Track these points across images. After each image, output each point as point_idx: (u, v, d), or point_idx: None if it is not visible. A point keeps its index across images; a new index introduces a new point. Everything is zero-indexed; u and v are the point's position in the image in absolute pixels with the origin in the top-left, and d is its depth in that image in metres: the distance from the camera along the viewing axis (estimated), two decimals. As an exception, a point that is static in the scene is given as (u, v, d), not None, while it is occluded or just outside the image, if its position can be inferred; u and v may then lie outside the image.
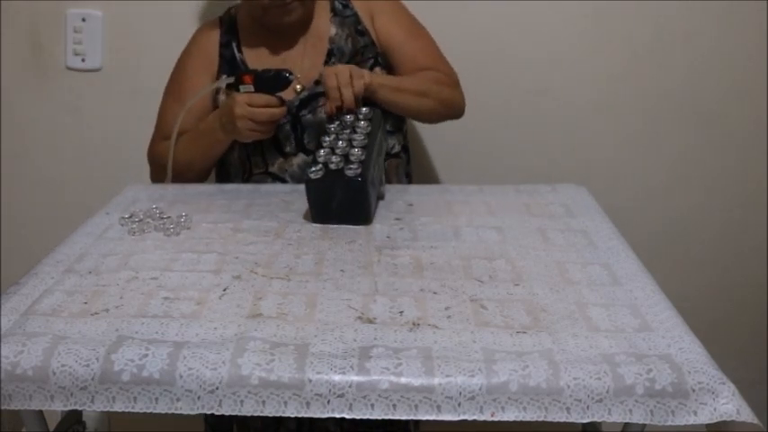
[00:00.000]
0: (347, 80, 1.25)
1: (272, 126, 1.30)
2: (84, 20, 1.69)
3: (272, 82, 1.28)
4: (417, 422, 1.40)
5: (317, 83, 1.37)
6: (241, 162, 1.41)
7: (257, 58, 1.41)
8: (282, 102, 1.29)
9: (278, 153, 1.38)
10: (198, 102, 1.37)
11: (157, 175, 1.44)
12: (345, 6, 1.43)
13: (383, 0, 1.45)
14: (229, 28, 1.44)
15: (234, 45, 1.42)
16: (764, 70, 1.71)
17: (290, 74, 1.28)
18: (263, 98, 1.27)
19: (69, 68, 1.73)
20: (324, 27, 1.41)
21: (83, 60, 1.72)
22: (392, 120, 1.43)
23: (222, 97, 1.40)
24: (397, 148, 1.45)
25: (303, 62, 1.40)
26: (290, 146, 1.38)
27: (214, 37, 1.43)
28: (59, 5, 1.69)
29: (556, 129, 1.76)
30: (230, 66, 1.41)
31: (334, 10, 1.42)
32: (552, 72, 1.72)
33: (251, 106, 1.26)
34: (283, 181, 1.39)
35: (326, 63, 1.39)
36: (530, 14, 1.68)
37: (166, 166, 1.35)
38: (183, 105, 1.36)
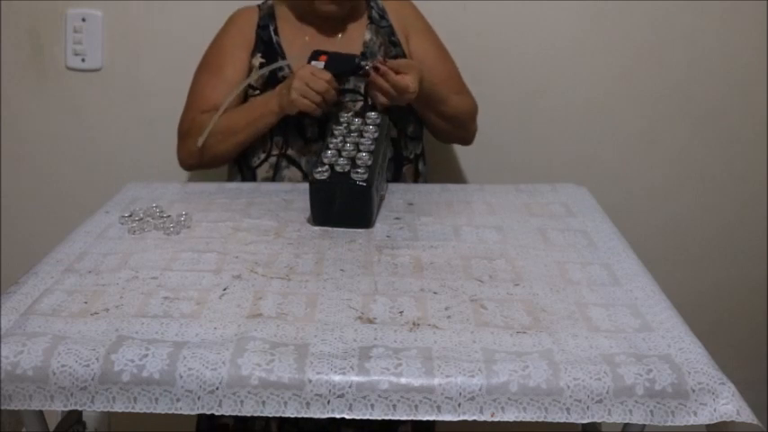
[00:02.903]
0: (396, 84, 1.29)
1: (320, 102, 1.30)
2: (84, 20, 1.69)
3: (342, 60, 1.32)
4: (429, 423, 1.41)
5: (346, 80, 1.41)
6: (262, 141, 1.42)
7: (290, 46, 1.44)
8: (339, 89, 1.32)
9: (299, 137, 1.40)
10: (234, 76, 1.41)
11: (187, 146, 1.43)
12: (382, 17, 1.48)
13: (417, 20, 1.51)
14: (267, 14, 1.47)
15: (271, 29, 1.45)
16: (764, 70, 1.71)
17: (364, 61, 1.31)
18: (325, 73, 1.30)
19: (69, 68, 1.73)
20: (359, 30, 1.45)
21: (83, 60, 1.71)
22: (413, 126, 1.46)
23: (255, 76, 1.41)
24: (413, 155, 1.47)
25: None
26: (313, 132, 1.39)
27: (252, 18, 1.47)
28: (59, 5, 1.69)
29: (556, 129, 1.76)
30: (266, 47, 1.43)
31: (371, 18, 1.47)
32: (552, 72, 1.72)
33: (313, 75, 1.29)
34: (299, 166, 1.40)
35: None
36: (529, 14, 1.68)
37: (203, 132, 1.35)
38: (221, 78, 1.41)
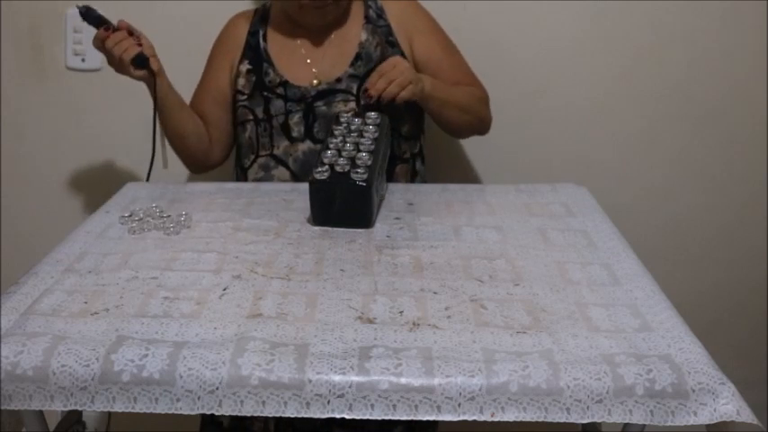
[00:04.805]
0: (400, 80, 1.31)
1: (107, 53, 1.36)
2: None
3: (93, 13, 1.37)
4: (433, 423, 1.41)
5: (338, 80, 1.41)
6: (250, 143, 1.45)
7: (280, 50, 1.46)
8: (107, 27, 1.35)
9: (285, 137, 1.41)
10: (210, 84, 1.48)
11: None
12: (380, 17, 1.47)
13: (420, 20, 1.50)
14: (261, 18, 1.49)
15: (261, 34, 1.47)
16: (764, 70, 1.71)
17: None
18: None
19: (69, 68, 1.73)
20: (354, 31, 1.45)
21: (83, 60, 1.71)
22: (408, 126, 1.46)
23: (242, 81, 1.44)
24: (407, 154, 1.47)
25: (324, 59, 1.44)
26: (299, 132, 1.41)
27: (244, 25, 1.50)
28: (59, 5, 1.69)
29: (556, 129, 1.76)
30: (254, 53, 1.45)
31: (367, 17, 1.46)
32: (552, 72, 1.72)
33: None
34: (286, 165, 1.41)
35: (353, 65, 1.42)
36: (529, 14, 1.68)
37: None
38: (202, 86, 1.49)
